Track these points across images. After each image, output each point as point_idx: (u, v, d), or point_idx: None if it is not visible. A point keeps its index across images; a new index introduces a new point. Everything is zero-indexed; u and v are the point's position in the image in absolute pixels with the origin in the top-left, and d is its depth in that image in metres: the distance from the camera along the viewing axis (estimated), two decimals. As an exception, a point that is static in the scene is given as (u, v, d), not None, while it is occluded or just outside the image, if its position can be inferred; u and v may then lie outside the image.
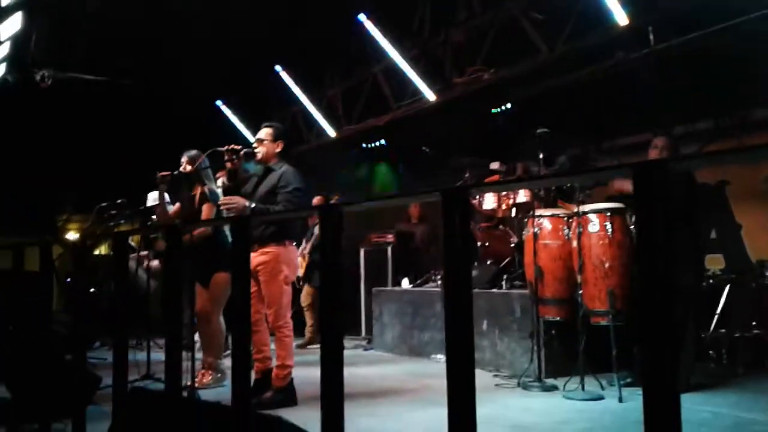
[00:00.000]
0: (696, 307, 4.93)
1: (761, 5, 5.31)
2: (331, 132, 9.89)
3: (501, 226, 6.90)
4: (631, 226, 4.92)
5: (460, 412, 1.28)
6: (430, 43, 8.19)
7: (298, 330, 6.47)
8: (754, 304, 5.66)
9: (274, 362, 4.61)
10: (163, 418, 1.66)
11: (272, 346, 4.71)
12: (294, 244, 4.85)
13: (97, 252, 9.76)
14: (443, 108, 8.17)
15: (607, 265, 4.78)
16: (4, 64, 8.39)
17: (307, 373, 4.79)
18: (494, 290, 6.08)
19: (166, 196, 5.60)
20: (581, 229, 4.91)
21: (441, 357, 6.32)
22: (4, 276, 2.78)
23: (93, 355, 6.33)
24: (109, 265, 8.17)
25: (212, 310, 5.27)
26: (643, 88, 6.40)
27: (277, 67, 9.85)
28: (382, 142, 9.95)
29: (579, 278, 4.87)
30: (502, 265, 6.47)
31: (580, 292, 4.86)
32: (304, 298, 7.99)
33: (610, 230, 4.81)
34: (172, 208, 5.61)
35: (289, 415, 1.67)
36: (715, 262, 6.57)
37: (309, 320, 8.01)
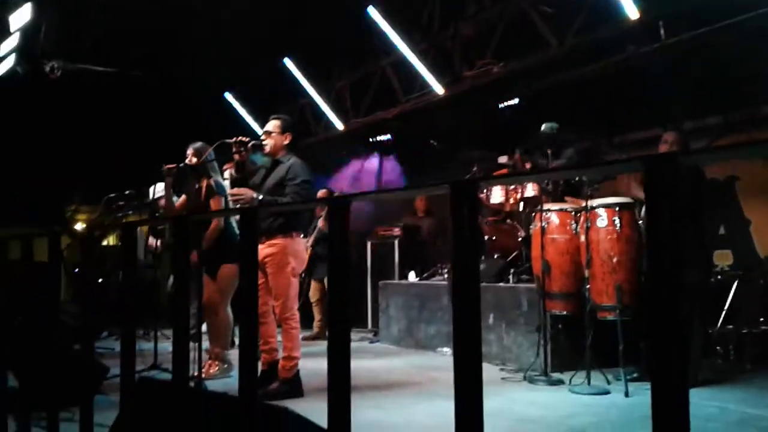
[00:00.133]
0: (704, 302, 4.91)
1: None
2: (339, 125, 9.88)
3: (508, 220, 6.89)
4: (640, 221, 4.90)
5: (467, 405, 1.28)
6: (439, 36, 8.16)
7: (305, 322, 6.49)
8: (762, 300, 5.65)
9: (281, 354, 4.63)
10: (171, 408, 1.67)
11: (279, 337, 4.73)
12: (302, 236, 4.86)
13: (105, 243, 9.80)
14: (452, 101, 8.14)
15: (615, 259, 4.77)
16: (13, 55, 8.41)
17: (313, 365, 4.81)
18: (501, 284, 6.07)
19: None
20: (589, 224, 4.89)
21: (447, 350, 6.33)
22: (12, 266, 2.80)
23: (100, 345, 6.36)
24: (117, 255, 8.21)
25: (220, 302, 5.29)
26: (653, 82, 6.35)
27: (286, 60, 9.83)
28: (390, 135, 9.94)
29: (586, 273, 4.86)
30: (509, 259, 6.46)
31: (588, 286, 4.85)
32: (313, 293, 7.99)
33: (618, 225, 4.79)
34: (178, 201, 5.62)
35: (295, 406, 1.67)
36: (723, 258, 6.55)
37: (317, 315, 8.02)
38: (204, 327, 5.55)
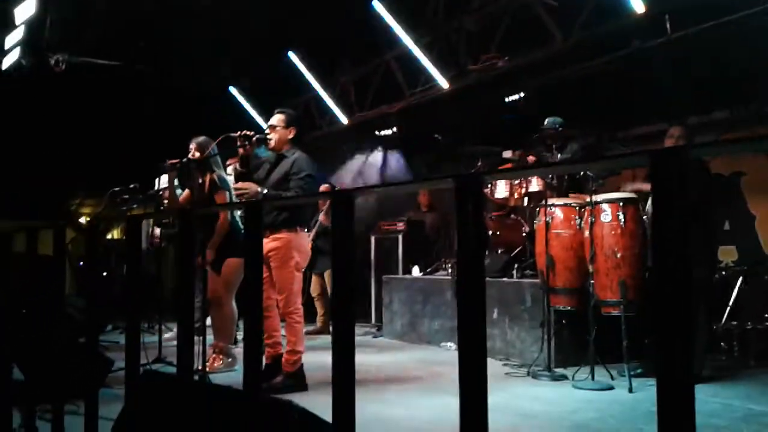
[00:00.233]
0: (708, 298, 4.90)
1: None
2: (344, 119, 9.87)
3: (512, 215, 6.88)
4: (644, 217, 4.89)
5: (472, 399, 1.28)
6: (444, 30, 8.13)
7: (309, 317, 6.50)
8: (766, 297, 5.63)
9: (285, 348, 4.64)
10: (176, 400, 1.67)
11: (282, 332, 4.73)
12: (306, 230, 4.86)
13: (109, 236, 9.82)
14: (456, 96, 8.13)
15: (619, 255, 4.76)
16: (18, 48, 8.42)
17: (316, 359, 4.82)
18: (505, 279, 6.07)
19: (176, 181, 5.62)
20: (593, 219, 4.88)
21: (450, 345, 6.33)
22: (17, 259, 2.80)
23: (105, 338, 6.39)
24: (121, 248, 8.23)
25: (224, 295, 5.30)
26: (658, 77, 6.33)
27: (290, 54, 9.82)
28: (394, 129, 9.92)
29: (591, 268, 4.85)
30: (513, 254, 6.45)
31: (592, 282, 4.84)
32: (314, 288, 8.00)
33: (622, 220, 4.78)
34: (181, 195, 5.62)
35: (298, 400, 1.67)
36: (727, 254, 6.53)
37: (320, 309, 8.03)
38: (208, 321, 5.57)
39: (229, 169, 5.59)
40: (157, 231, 6.98)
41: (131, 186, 5.94)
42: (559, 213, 5.21)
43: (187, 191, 5.59)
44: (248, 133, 4.65)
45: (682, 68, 6.25)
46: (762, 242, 6.54)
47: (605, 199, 4.91)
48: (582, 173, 5.31)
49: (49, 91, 9.33)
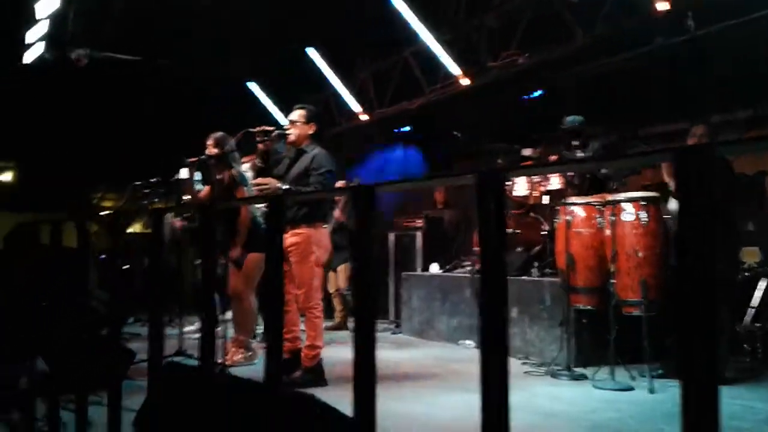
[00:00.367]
0: (731, 299, 4.84)
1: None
2: (363, 115, 9.88)
3: (531, 214, 6.84)
4: (666, 216, 4.85)
5: (493, 398, 1.28)
6: (464, 26, 8.11)
7: (327, 313, 6.51)
8: (790, 298, 5.54)
9: (304, 343, 4.66)
10: (198, 392, 1.69)
11: (302, 327, 4.75)
12: (325, 226, 4.87)
13: (130, 230, 9.90)
14: (476, 92, 8.10)
15: (640, 254, 4.72)
16: (42, 43, 8.51)
17: (334, 354, 4.83)
18: (524, 278, 6.04)
19: (197, 175, 5.65)
20: (615, 218, 4.84)
21: (469, 343, 6.32)
22: (42, 250, 2.84)
23: (126, 331, 6.44)
24: (143, 242, 8.30)
25: (244, 290, 5.33)
26: (680, 75, 6.27)
27: (309, 49, 9.84)
28: (413, 126, 9.92)
29: (612, 267, 4.81)
30: (532, 252, 6.42)
31: (613, 281, 4.80)
32: (332, 284, 8.01)
33: (644, 219, 4.74)
34: (202, 191, 5.65)
35: (317, 394, 1.68)
36: (751, 255, 6.44)
37: (338, 305, 8.04)
38: (228, 314, 5.60)
39: (244, 167, 5.62)
40: (177, 222, 7.02)
41: (152, 180, 5.98)
42: (580, 211, 5.17)
43: (207, 188, 5.62)
44: (268, 128, 4.67)
45: (704, 66, 6.18)
46: (786, 243, 6.44)
47: (627, 198, 4.87)
48: (603, 171, 5.27)
49: (71, 86, 9.43)
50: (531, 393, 4.36)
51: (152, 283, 2.27)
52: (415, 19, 8.10)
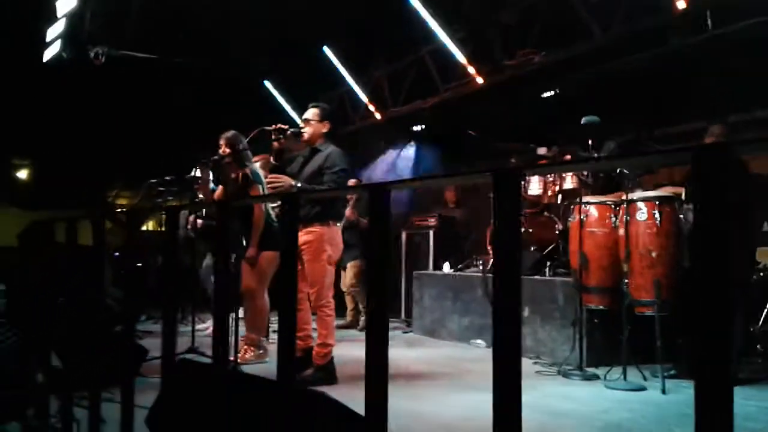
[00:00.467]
0: (745, 300, 4.80)
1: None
2: (377, 114, 9.87)
3: (545, 213, 6.82)
4: (681, 216, 4.82)
5: (506, 397, 1.27)
6: (480, 25, 8.07)
7: (339, 311, 6.52)
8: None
9: (315, 341, 4.67)
10: (211, 389, 1.70)
11: (313, 325, 4.76)
12: (338, 224, 4.87)
13: (143, 228, 9.97)
14: (491, 91, 8.07)
15: (654, 254, 4.70)
16: (59, 41, 8.58)
17: (346, 352, 4.84)
18: (537, 277, 6.02)
19: (211, 176, 5.67)
20: (629, 218, 4.82)
21: (480, 342, 6.31)
22: (57, 248, 2.86)
23: (139, 328, 6.48)
24: (156, 240, 8.34)
25: (257, 288, 5.35)
26: (698, 74, 6.21)
27: (325, 48, 9.85)
28: (427, 125, 9.90)
29: (625, 267, 4.79)
30: (545, 251, 6.40)
31: (626, 281, 4.78)
32: (344, 282, 8.02)
33: (658, 219, 4.71)
34: (216, 191, 5.67)
35: (328, 392, 1.68)
36: (766, 256, 6.38)
37: (350, 304, 8.05)
38: (240, 313, 5.62)
39: (255, 165, 5.63)
40: (198, 221, 7.05)
41: (167, 178, 6.02)
42: (594, 211, 5.15)
43: (221, 187, 5.64)
44: (283, 126, 4.68)
45: (722, 65, 6.12)
46: (802, 244, 6.37)
47: (641, 198, 4.85)
48: (618, 171, 5.23)
49: (87, 84, 9.50)
50: (542, 393, 4.35)
51: (166, 280, 2.28)
52: (431, 17, 8.07)
